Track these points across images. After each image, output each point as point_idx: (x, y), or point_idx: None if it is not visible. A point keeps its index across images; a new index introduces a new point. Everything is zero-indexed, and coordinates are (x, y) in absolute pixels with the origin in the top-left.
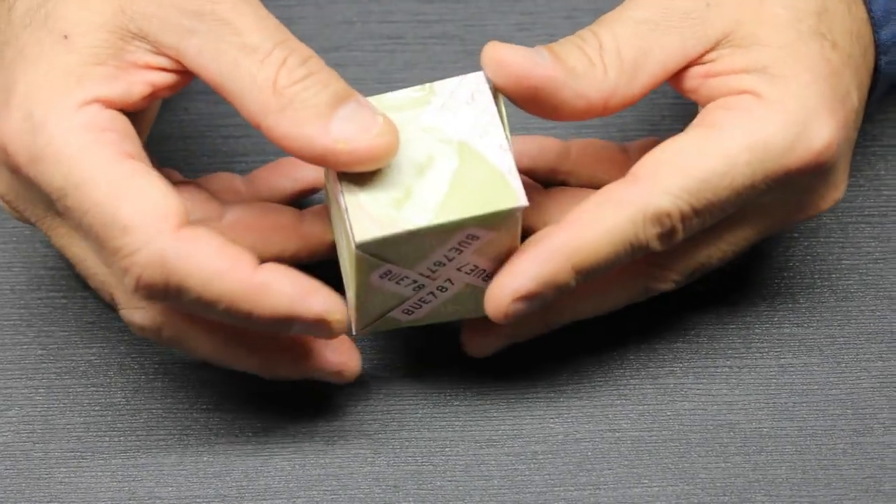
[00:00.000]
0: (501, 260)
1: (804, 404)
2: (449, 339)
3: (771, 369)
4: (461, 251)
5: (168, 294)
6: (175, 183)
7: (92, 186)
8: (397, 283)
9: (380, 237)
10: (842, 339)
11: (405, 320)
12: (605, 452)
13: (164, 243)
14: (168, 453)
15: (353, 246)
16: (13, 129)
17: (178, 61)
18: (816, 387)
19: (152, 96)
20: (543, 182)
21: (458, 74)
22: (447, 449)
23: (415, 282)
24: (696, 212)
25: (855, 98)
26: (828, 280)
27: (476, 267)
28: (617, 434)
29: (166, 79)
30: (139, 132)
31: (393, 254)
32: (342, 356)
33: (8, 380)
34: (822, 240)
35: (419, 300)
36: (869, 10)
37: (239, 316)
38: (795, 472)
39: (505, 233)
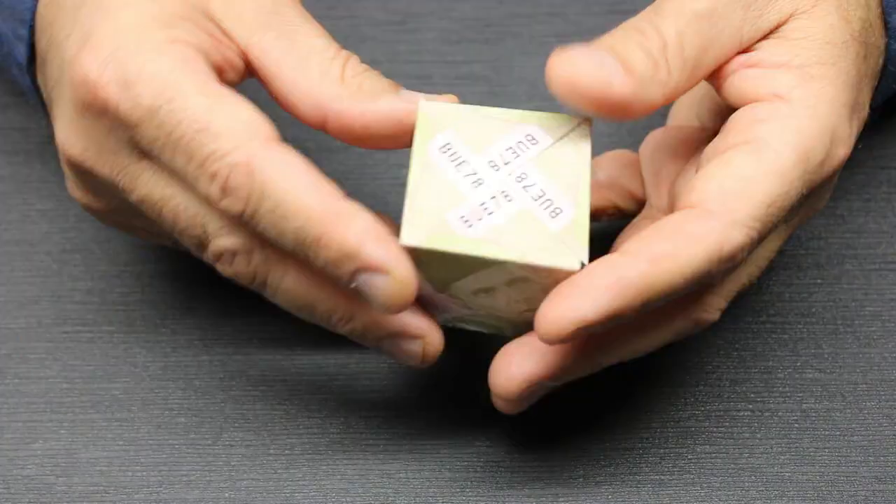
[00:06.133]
0: (566, 184)
1: (826, 450)
2: (471, 379)
3: (793, 414)
4: (518, 154)
5: (249, 200)
6: None
7: (185, 100)
8: (457, 166)
9: (445, 104)
10: (864, 385)
11: (463, 236)
12: (625, 496)
13: (253, 149)
14: (190, 489)
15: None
16: (100, 61)
17: (240, 54)
18: (838, 433)
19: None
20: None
21: None
22: (468, 489)
23: (474, 172)
24: (761, 237)
25: (867, 111)
26: (850, 326)
27: (542, 193)
28: (638, 477)
29: (223, 62)
30: None
31: (453, 122)
32: (423, 322)
33: (33, 413)
34: (844, 286)
35: (480, 206)
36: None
37: (307, 240)
38: None
39: (570, 149)
